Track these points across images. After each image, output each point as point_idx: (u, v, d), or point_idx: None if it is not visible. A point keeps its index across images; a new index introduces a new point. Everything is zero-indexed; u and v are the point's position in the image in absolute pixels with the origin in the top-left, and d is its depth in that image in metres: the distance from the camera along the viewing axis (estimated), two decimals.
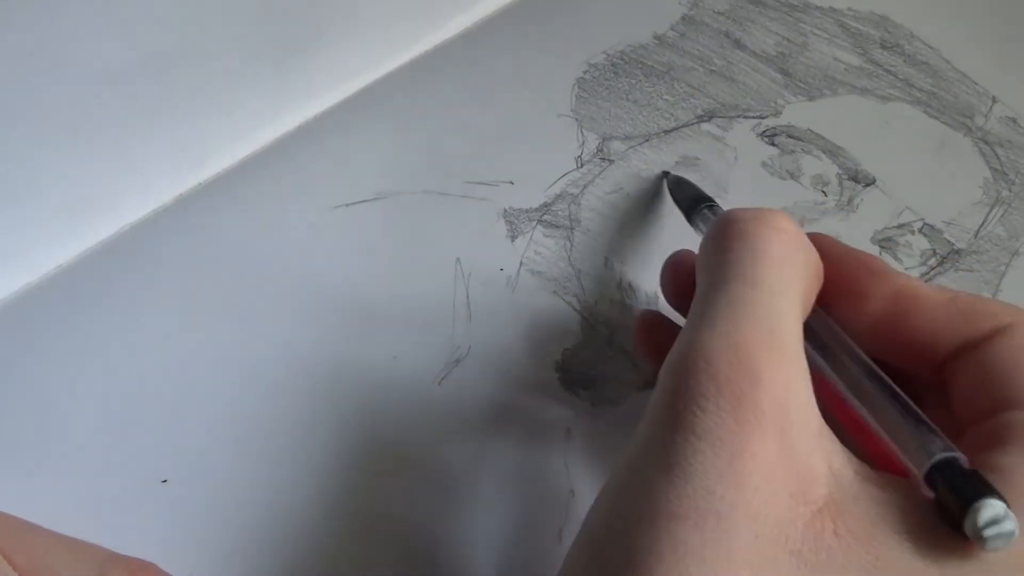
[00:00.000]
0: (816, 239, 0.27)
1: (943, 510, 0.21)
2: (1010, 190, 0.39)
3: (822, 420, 0.22)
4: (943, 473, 0.21)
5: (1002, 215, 0.39)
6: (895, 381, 0.25)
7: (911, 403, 0.24)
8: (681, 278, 0.31)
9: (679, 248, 0.32)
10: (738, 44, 0.44)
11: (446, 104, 0.41)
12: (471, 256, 0.37)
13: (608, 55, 0.43)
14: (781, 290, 0.23)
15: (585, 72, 0.42)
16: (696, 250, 0.28)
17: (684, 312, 0.31)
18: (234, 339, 0.34)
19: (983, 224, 0.39)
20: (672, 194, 0.38)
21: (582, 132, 0.40)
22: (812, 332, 0.26)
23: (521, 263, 0.37)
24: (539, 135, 0.40)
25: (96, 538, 0.30)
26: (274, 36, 0.38)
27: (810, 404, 0.22)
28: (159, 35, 0.34)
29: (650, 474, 0.21)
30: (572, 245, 0.38)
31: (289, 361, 0.34)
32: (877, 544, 0.21)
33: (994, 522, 0.19)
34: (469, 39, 0.43)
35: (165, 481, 0.31)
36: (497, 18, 0.44)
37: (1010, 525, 0.19)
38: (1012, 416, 0.23)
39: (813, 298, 0.26)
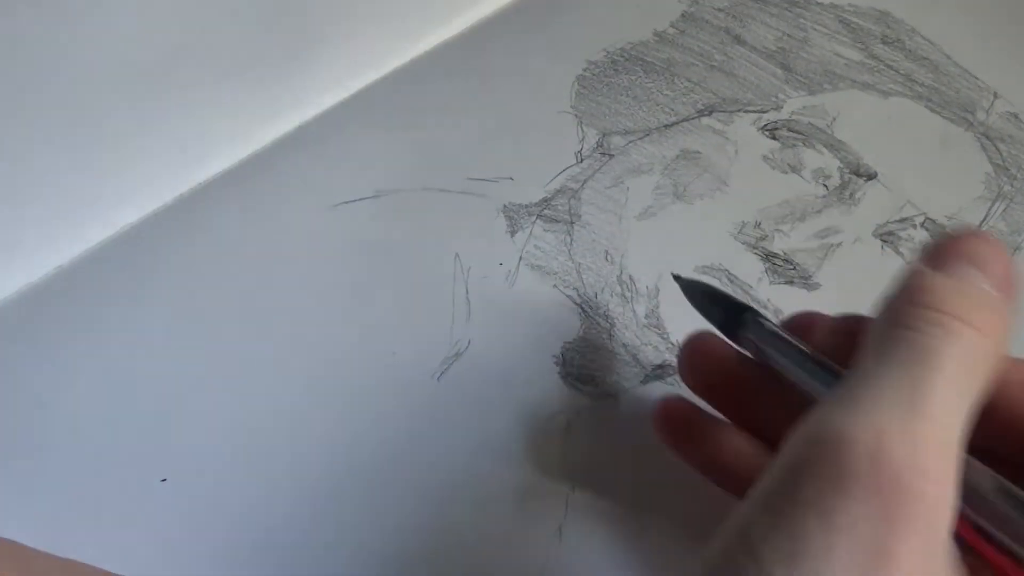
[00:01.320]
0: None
1: None
2: (1012, 185, 0.39)
3: (954, 545, 0.20)
4: None
5: (1004, 210, 0.39)
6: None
7: None
8: (709, 366, 0.29)
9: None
10: (738, 40, 0.44)
11: (446, 101, 0.41)
12: (470, 251, 0.37)
13: (608, 52, 0.43)
14: (964, 389, 0.21)
15: (585, 69, 0.42)
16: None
17: (708, 398, 0.30)
18: (234, 338, 0.34)
19: (985, 219, 0.38)
20: (693, 302, 0.33)
21: (582, 128, 0.40)
22: None
23: (521, 258, 0.37)
24: (539, 131, 0.40)
25: (96, 537, 0.30)
26: (274, 36, 0.38)
27: (951, 506, 0.20)
28: (159, 36, 0.35)
29: (767, 562, 0.19)
30: (572, 239, 0.37)
31: (288, 359, 0.34)
32: None
33: None
34: (469, 38, 0.43)
35: (165, 480, 0.31)
36: (497, 17, 0.44)
37: None
38: None
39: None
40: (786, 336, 0.28)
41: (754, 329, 0.29)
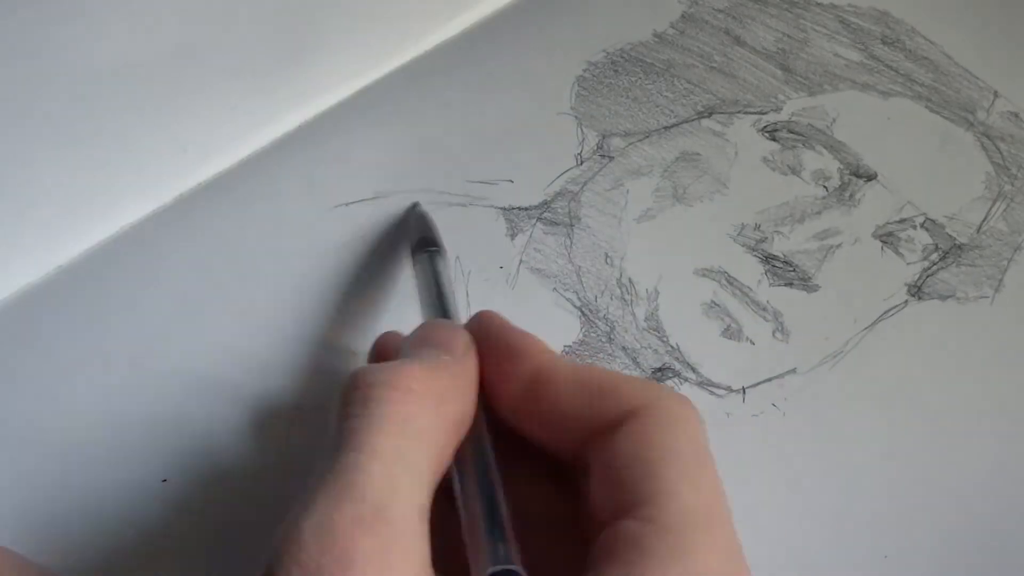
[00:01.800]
0: (480, 317, 0.27)
1: None
2: (1012, 185, 0.39)
3: None
4: None
5: (1004, 210, 0.39)
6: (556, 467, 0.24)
7: (501, 505, 0.23)
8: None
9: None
10: (738, 41, 0.44)
11: (446, 103, 0.41)
12: (471, 254, 0.37)
13: (608, 53, 0.43)
14: (400, 457, 0.22)
15: (585, 70, 0.42)
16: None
17: None
18: (234, 338, 0.34)
19: (985, 219, 0.39)
20: (408, 226, 0.37)
21: (582, 130, 0.40)
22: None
23: (521, 261, 0.37)
24: (539, 133, 0.40)
25: (96, 538, 0.30)
26: (274, 36, 0.38)
27: None
28: (159, 35, 0.35)
29: None
30: (572, 242, 0.37)
31: (289, 360, 0.34)
32: None
33: None
34: (469, 39, 0.43)
35: (165, 480, 0.31)
36: (497, 18, 0.44)
37: None
38: (622, 527, 0.22)
39: (456, 441, 0.25)
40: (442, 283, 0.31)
41: (420, 263, 0.33)
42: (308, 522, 0.21)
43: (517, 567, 0.21)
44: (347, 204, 0.38)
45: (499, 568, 0.21)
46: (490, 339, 0.26)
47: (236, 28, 0.36)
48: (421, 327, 0.27)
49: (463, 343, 0.26)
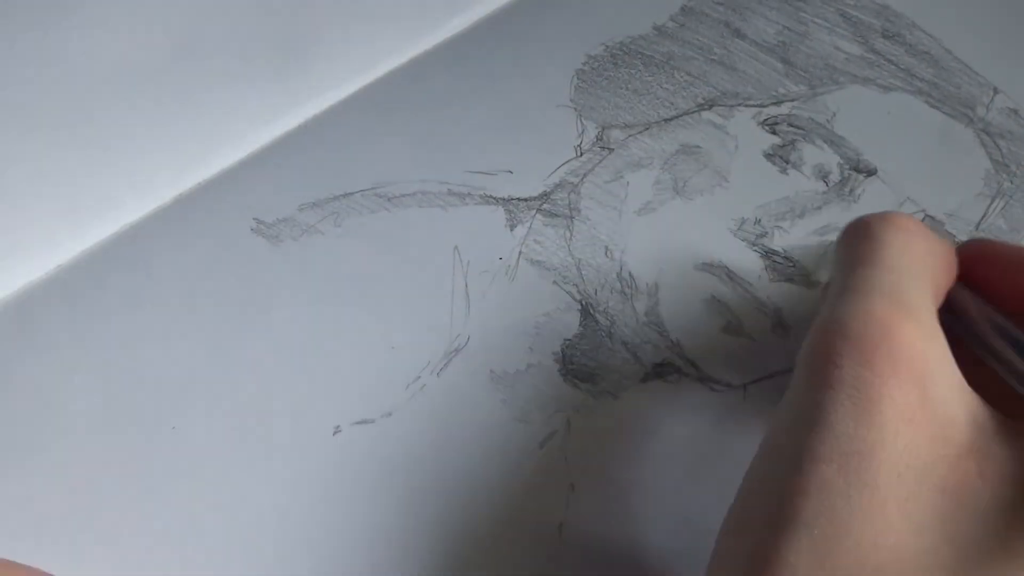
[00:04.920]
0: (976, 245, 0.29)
1: None
2: (1011, 182, 0.39)
3: (962, 378, 0.23)
4: None
5: (1003, 207, 0.39)
6: None
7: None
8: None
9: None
10: (738, 33, 0.43)
11: (446, 95, 0.41)
12: (470, 245, 0.37)
13: (607, 46, 0.43)
14: (910, 273, 0.25)
15: (584, 63, 0.42)
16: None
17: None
18: (234, 338, 0.34)
19: (984, 216, 0.38)
20: None
21: (581, 121, 0.40)
22: (953, 318, 0.26)
23: (520, 252, 0.37)
24: (538, 125, 0.40)
25: (96, 538, 0.30)
26: (274, 36, 0.38)
27: (948, 360, 0.23)
28: (159, 35, 0.35)
29: (796, 430, 0.22)
30: (572, 234, 0.37)
31: (288, 356, 0.34)
32: (1023, 486, 0.21)
33: None
34: (468, 33, 0.43)
35: (165, 480, 0.32)
36: (497, 15, 0.44)
37: None
38: None
39: (944, 290, 0.27)
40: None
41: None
42: (847, 311, 0.23)
43: None
44: (346, 195, 0.38)
45: None
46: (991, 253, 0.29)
47: (236, 28, 0.36)
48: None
49: (913, 219, 0.27)
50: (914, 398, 0.22)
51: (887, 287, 0.24)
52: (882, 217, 0.27)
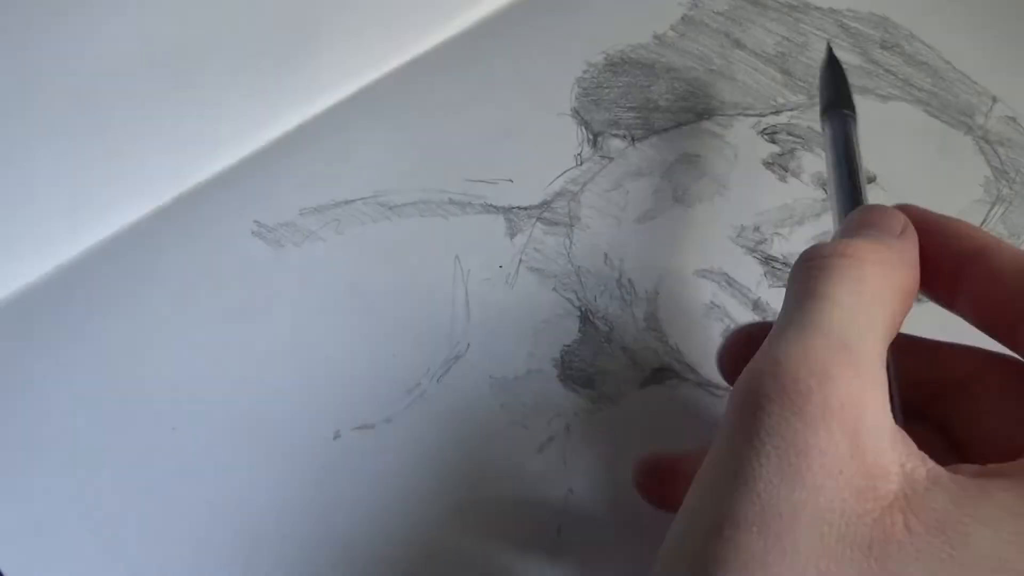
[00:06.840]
0: (903, 206, 0.28)
1: None
2: (1011, 188, 0.39)
3: (896, 427, 0.22)
4: None
5: (1003, 213, 0.39)
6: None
7: None
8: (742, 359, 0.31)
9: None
10: (738, 44, 0.44)
11: (446, 103, 0.41)
12: (470, 253, 0.37)
13: (607, 55, 0.43)
14: (859, 310, 0.23)
15: (584, 71, 0.42)
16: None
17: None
18: (233, 338, 0.34)
19: (984, 223, 0.39)
20: (821, 79, 0.37)
21: (581, 130, 0.40)
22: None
23: (520, 260, 0.37)
24: (538, 133, 0.40)
25: (96, 538, 0.30)
26: (274, 36, 0.38)
27: (884, 410, 0.22)
28: (159, 35, 0.35)
29: (718, 485, 0.21)
30: (571, 242, 0.38)
31: (288, 360, 0.34)
32: (952, 535, 0.20)
33: None
34: (469, 39, 0.43)
35: (165, 480, 0.32)
36: (497, 18, 0.44)
37: None
38: None
39: (902, 319, 0.26)
40: (852, 149, 0.32)
41: (833, 123, 0.33)
42: (783, 350, 0.22)
43: None
44: (347, 202, 0.38)
45: None
46: (922, 221, 0.27)
47: (236, 28, 0.36)
48: (857, 211, 0.28)
49: (901, 222, 0.27)
50: (844, 449, 0.21)
51: (831, 325, 0.23)
52: (837, 252, 0.25)
